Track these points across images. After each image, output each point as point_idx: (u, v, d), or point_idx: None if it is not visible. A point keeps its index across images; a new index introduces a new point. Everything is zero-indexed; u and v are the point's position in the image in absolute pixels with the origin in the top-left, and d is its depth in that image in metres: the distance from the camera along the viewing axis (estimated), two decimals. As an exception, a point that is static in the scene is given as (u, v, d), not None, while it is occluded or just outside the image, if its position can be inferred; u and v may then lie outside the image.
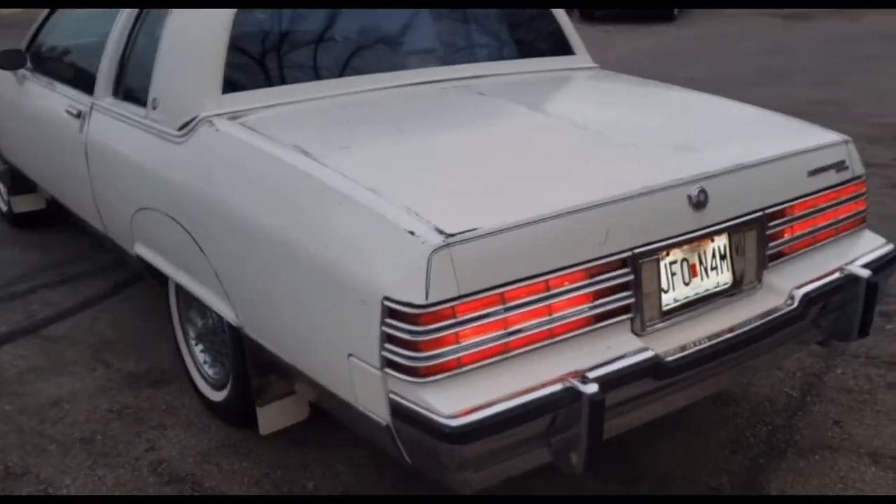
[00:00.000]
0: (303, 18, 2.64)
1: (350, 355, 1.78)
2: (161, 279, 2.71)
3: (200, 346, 2.73)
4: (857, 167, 2.39)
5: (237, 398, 2.47)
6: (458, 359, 1.67)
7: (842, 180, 2.34)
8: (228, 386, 2.51)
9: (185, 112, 2.39)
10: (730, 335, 2.00)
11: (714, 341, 1.98)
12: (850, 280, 2.23)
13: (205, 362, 2.71)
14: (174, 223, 2.38)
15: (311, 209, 1.91)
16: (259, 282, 2.08)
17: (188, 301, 2.68)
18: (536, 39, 3.07)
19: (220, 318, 2.42)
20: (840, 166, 2.35)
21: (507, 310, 1.71)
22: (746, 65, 10.10)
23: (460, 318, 1.66)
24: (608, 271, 1.85)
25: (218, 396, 2.62)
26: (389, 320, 1.66)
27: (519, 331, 1.74)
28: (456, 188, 1.91)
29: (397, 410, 1.70)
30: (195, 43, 2.45)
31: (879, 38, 12.05)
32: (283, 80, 2.51)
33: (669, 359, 1.89)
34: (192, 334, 2.74)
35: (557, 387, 1.72)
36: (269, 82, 2.48)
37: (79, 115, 3.01)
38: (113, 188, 2.82)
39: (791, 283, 2.17)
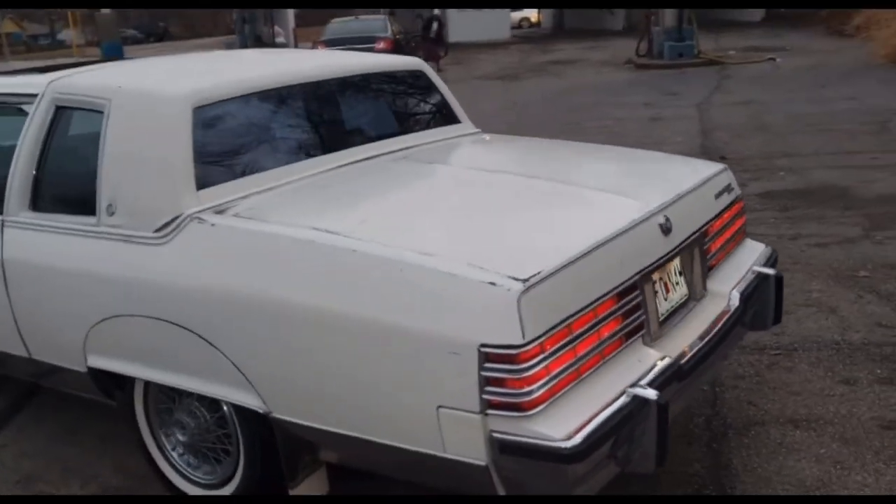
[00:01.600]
0: (250, 111, 2.72)
1: (440, 407, 1.92)
2: (115, 391, 2.64)
3: (180, 451, 2.66)
4: (736, 188, 2.93)
5: (254, 487, 2.45)
6: (550, 389, 1.89)
7: (731, 200, 2.86)
8: (237, 479, 2.49)
9: (160, 213, 2.39)
10: (710, 336, 2.39)
11: (703, 342, 2.35)
12: (763, 277, 2.73)
13: (189, 465, 2.65)
14: (166, 325, 2.36)
15: (368, 282, 2.03)
16: (300, 364, 2.14)
17: (164, 407, 2.62)
18: (430, 112, 3.36)
19: (216, 413, 2.45)
20: (728, 188, 2.87)
21: (574, 339, 1.97)
22: (497, 122, 11.05)
23: (547, 352, 1.88)
24: (628, 294, 2.16)
25: (217, 495, 2.57)
26: (489, 364, 1.84)
27: (584, 356, 2.00)
28: (489, 241, 2.14)
29: (504, 446, 1.87)
30: (160, 143, 2.45)
31: (586, 90, 13.69)
32: (247, 170, 2.57)
33: (682, 362, 2.23)
34: (168, 440, 2.66)
35: (625, 398, 1.99)
36: (236, 173, 2.54)
37: (-18, 235, 2.82)
38: (49, 306, 2.68)
39: (727, 286, 2.62)
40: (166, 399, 2.64)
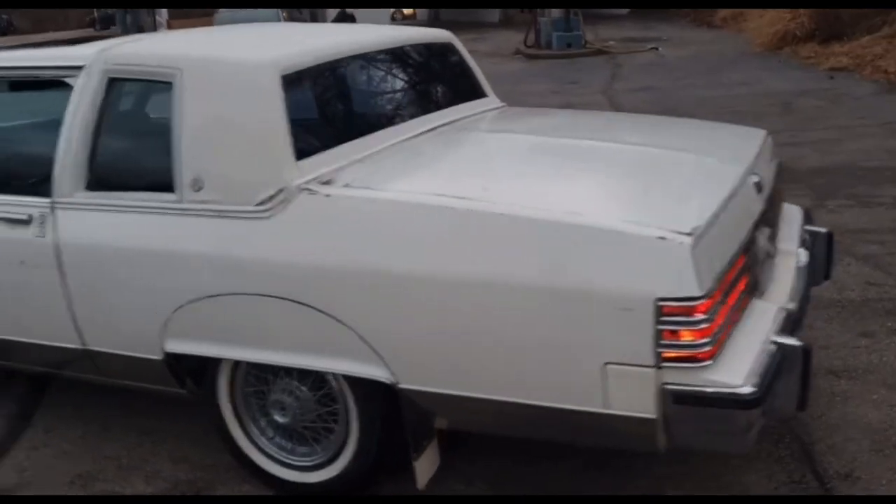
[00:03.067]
0: (328, 80, 2.65)
1: (607, 364, 1.95)
2: (188, 377, 2.55)
3: (270, 434, 2.57)
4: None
5: (365, 463, 2.40)
6: (718, 340, 1.96)
7: (777, 162, 3.01)
8: (345, 457, 2.43)
9: (262, 186, 2.29)
10: (801, 291, 2.51)
11: (798, 296, 2.47)
12: (815, 235, 2.90)
13: (281, 448, 2.56)
14: (275, 301, 2.26)
15: (524, 246, 2.03)
16: (440, 333, 2.12)
17: (252, 390, 2.52)
18: (466, 84, 3.35)
19: (319, 391, 2.41)
20: (773, 152, 3.02)
21: (728, 291, 2.04)
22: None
23: (717, 303, 1.95)
24: (746, 251, 2.26)
25: (315, 477, 2.50)
26: (665, 318, 1.89)
27: (733, 308, 2.07)
28: (626, 200, 2.19)
29: (679, 397, 1.92)
30: (254, 114, 2.34)
31: (489, 79, 13.90)
32: (335, 140, 2.50)
33: (792, 314, 2.35)
34: (256, 424, 2.57)
35: (773, 347, 2.08)
36: (326, 143, 2.46)
37: (25, 220, 2.62)
38: (119, 291, 2.52)
39: (792, 244, 2.75)
40: (256, 381, 2.53)
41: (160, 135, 2.49)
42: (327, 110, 2.59)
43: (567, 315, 1.98)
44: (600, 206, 2.11)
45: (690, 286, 1.89)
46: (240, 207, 2.32)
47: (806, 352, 2.07)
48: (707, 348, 1.91)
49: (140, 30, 22.13)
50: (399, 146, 2.62)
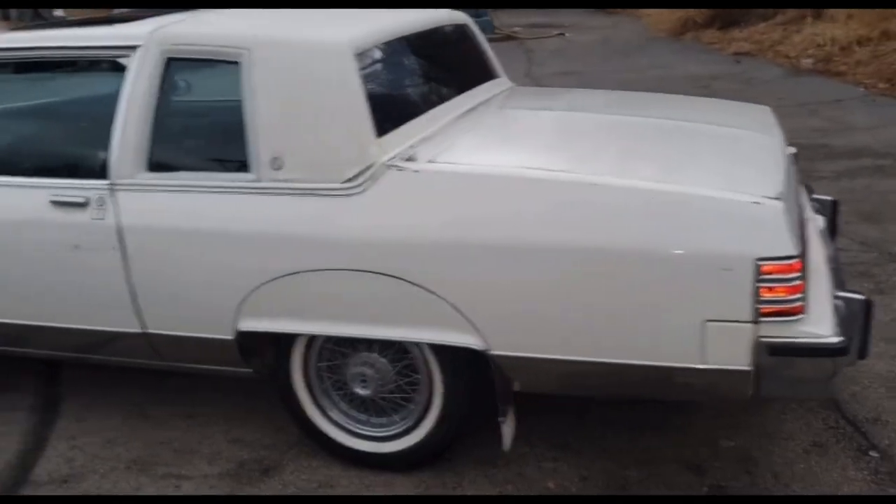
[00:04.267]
0: (391, 58, 2.70)
1: (707, 321, 2.12)
2: (255, 357, 2.57)
3: (344, 407, 2.63)
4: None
5: (448, 430, 2.50)
6: (804, 296, 2.15)
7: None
8: (426, 425, 2.51)
9: (348, 163, 2.34)
10: (831, 252, 2.75)
11: (832, 256, 2.70)
12: (821, 201, 3.15)
13: (356, 420, 2.62)
14: (364, 275, 2.32)
15: (623, 215, 2.16)
16: (537, 300, 2.23)
17: (326, 365, 2.58)
18: (485, 63, 3.46)
19: (400, 362, 2.49)
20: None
21: (804, 252, 2.24)
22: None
23: (803, 262, 2.14)
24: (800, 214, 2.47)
25: (392, 447, 2.58)
26: (763, 276, 2.07)
27: (808, 266, 2.28)
28: (704, 169, 2.37)
29: (775, 349, 2.11)
30: (334, 93, 2.38)
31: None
32: (403, 117, 2.56)
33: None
34: (329, 398, 2.62)
35: (840, 301, 2.29)
36: (397, 120, 2.52)
37: (81, 203, 2.57)
38: (190, 273, 2.50)
39: (807, 211, 2.99)
40: (330, 355, 2.58)
41: (228, 115, 2.48)
42: (390, 89, 2.64)
43: (669, 277, 2.12)
44: (688, 176, 2.27)
45: (786, 246, 2.07)
46: (325, 185, 2.35)
47: (868, 304, 2.29)
48: (799, 303, 2.10)
49: (39, 16, 20.95)
50: (456, 123, 2.70)
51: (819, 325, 2.13)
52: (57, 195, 2.60)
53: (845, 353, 2.11)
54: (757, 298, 2.08)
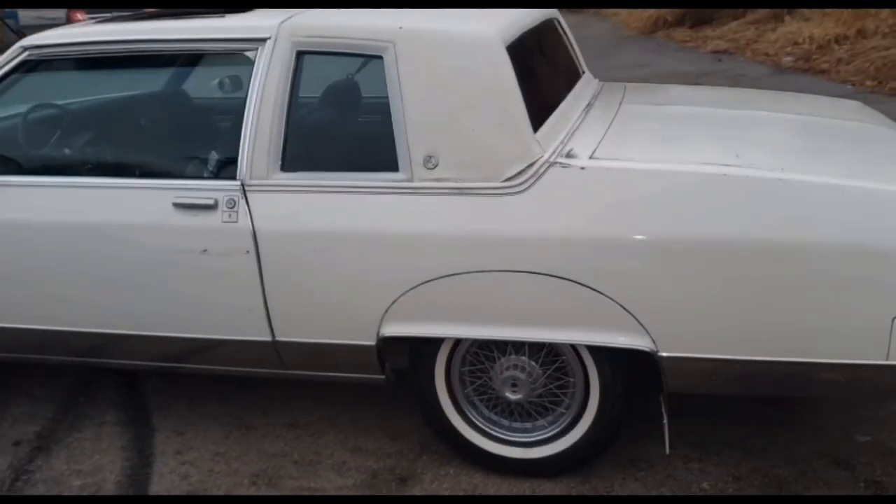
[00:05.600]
0: (520, 53, 2.62)
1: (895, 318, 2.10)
2: (387, 362, 2.48)
3: (486, 412, 2.55)
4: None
5: (601, 435, 2.44)
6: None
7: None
8: (581, 429, 2.45)
9: (509, 161, 2.26)
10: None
11: None
12: None
13: (500, 426, 2.55)
14: (526, 276, 2.25)
15: (812, 210, 2.12)
16: (718, 299, 2.17)
17: (469, 370, 2.50)
18: (576, 62, 3.40)
19: (551, 366, 2.42)
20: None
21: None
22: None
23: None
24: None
25: (540, 452, 2.51)
26: (957, 272, 2.06)
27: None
28: (869, 165, 2.35)
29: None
30: (492, 89, 2.29)
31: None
32: (545, 113, 2.49)
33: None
34: (472, 404, 2.54)
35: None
36: (543, 115, 2.45)
37: (210, 205, 2.44)
38: (333, 278, 2.39)
39: None
40: (473, 360, 2.50)
41: (370, 111, 2.40)
42: (529, 85, 2.56)
43: (860, 274, 2.10)
44: (870, 171, 2.24)
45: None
46: (485, 184, 2.27)
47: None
48: None
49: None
50: (587, 119, 2.64)
51: None
52: (181, 197, 2.46)
53: None
54: (949, 294, 2.06)
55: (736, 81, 9.68)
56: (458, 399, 2.54)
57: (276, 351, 2.54)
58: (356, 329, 2.43)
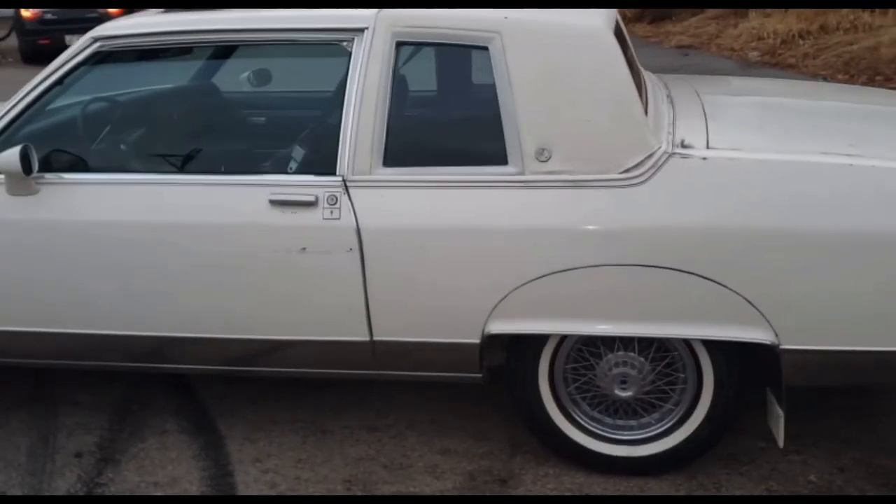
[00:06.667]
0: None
1: None
2: (486, 362, 2.42)
3: (589, 411, 2.50)
4: None
5: (713, 431, 2.42)
6: None
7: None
8: (692, 425, 2.43)
9: (627, 152, 2.22)
10: None
11: None
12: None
13: (605, 425, 2.50)
14: (646, 270, 2.22)
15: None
16: (840, 288, 2.18)
17: (572, 367, 2.46)
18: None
19: (662, 361, 2.39)
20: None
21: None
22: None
23: None
24: None
25: (647, 450, 2.47)
26: None
27: None
28: None
29: None
30: (606, 80, 2.25)
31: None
32: (646, 102, 2.46)
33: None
34: (576, 403, 2.49)
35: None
36: (646, 106, 2.41)
37: (311, 202, 2.34)
38: (444, 275, 2.32)
39: None
40: (578, 356, 2.45)
41: (476, 102, 2.33)
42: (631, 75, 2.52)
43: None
44: None
45: None
46: (602, 176, 2.23)
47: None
48: None
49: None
50: (680, 110, 2.60)
51: None
52: (278, 194, 2.35)
53: None
54: None
55: (711, 74, 9.81)
56: (560, 397, 2.49)
57: (373, 351, 2.45)
58: (461, 327, 2.36)
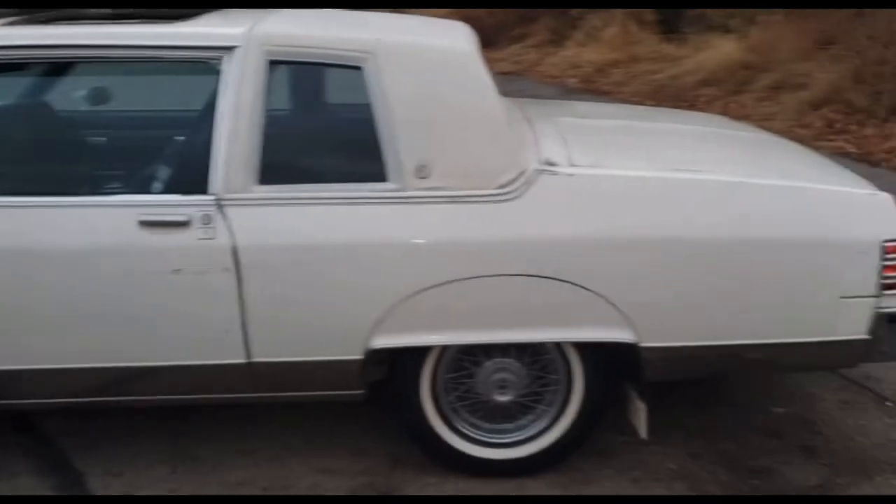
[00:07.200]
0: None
1: (842, 297, 2.42)
2: (365, 375, 2.46)
3: (467, 416, 2.59)
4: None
5: (585, 428, 2.57)
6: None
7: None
8: (564, 423, 2.56)
9: (502, 169, 2.34)
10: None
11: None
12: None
13: (482, 430, 2.60)
14: (521, 279, 2.34)
15: (773, 209, 2.39)
16: (691, 291, 2.39)
17: (452, 376, 2.54)
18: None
19: (536, 365, 2.52)
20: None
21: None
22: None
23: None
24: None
25: (523, 451, 2.59)
26: (888, 255, 2.41)
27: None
28: (804, 170, 2.68)
29: (892, 317, 2.46)
30: (478, 101, 2.36)
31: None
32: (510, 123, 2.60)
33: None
34: (456, 411, 2.57)
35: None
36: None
37: (184, 222, 2.30)
38: (322, 292, 2.34)
39: None
40: (457, 366, 2.53)
41: (352, 121, 2.37)
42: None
43: (813, 263, 2.39)
44: (804, 175, 2.56)
45: (901, 229, 2.43)
46: (479, 192, 2.33)
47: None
48: (910, 274, 2.47)
49: None
50: (540, 130, 2.75)
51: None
52: (148, 214, 2.29)
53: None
54: (881, 275, 2.41)
55: (535, 96, 10.29)
56: (442, 406, 2.56)
57: (251, 373, 2.42)
58: (343, 343, 2.39)
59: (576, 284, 2.35)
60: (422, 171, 2.32)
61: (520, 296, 2.36)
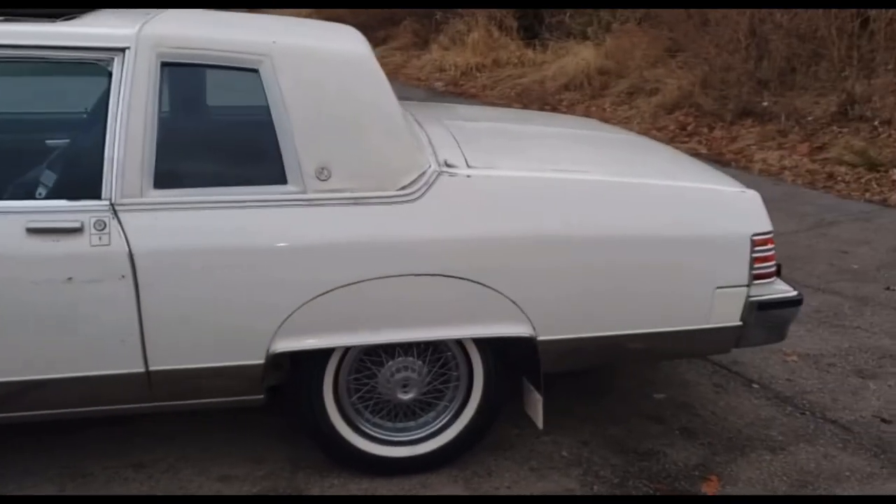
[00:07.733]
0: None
1: (718, 287, 2.61)
2: (267, 379, 2.45)
3: (370, 417, 2.62)
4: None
5: (486, 420, 2.65)
6: (767, 261, 2.76)
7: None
8: (466, 418, 2.63)
9: (402, 171, 2.39)
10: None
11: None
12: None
13: (385, 429, 2.64)
14: (424, 279, 2.39)
15: (651, 207, 2.55)
16: (582, 286, 2.51)
17: (356, 377, 2.57)
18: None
19: (437, 363, 2.59)
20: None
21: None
22: None
23: (769, 236, 2.75)
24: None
25: (426, 448, 2.65)
26: (756, 248, 2.62)
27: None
28: (678, 170, 2.86)
29: (762, 305, 2.67)
30: (378, 103, 2.39)
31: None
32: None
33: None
34: (359, 411, 2.60)
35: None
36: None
37: (76, 229, 2.23)
38: (222, 296, 2.31)
39: None
40: (359, 367, 2.56)
41: (250, 124, 2.37)
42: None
43: (691, 257, 2.57)
44: (680, 174, 2.74)
45: (767, 223, 2.64)
46: (380, 193, 2.37)
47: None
48: (774, 268, 2.68)
49: None
50: (433, 132, 2.82)
51: (782, 284, 2.73)
52: (36, 221, 2.20)
53: (800, 303, 2.74)
54: (751, 266, 2.61)
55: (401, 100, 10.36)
56: (344, 407, 2.57)
57: (149, 382, 2.36)
58: (244, 349, 2.37)
59: (477, 282, 2.42)
60: (322, 174, 2.33)
61: (424, 295, 2.41)
